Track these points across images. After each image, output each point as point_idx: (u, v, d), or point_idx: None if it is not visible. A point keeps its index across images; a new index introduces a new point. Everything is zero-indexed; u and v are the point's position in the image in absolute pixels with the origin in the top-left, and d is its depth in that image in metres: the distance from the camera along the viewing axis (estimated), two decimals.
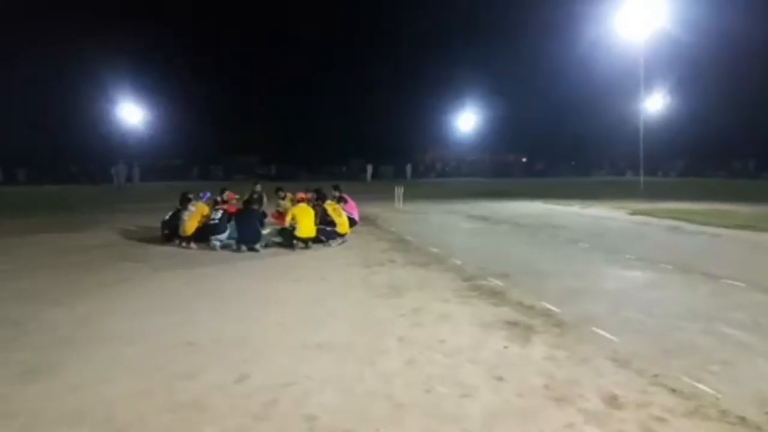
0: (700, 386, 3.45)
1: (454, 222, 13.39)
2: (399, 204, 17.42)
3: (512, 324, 4.77)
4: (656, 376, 3.62)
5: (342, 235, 9.47)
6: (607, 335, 4.45)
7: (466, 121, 54.11)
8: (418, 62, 53.52)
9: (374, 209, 15.81)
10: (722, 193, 23.53)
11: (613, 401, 3.25)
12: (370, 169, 46.10)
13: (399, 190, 17.81)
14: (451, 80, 51.18)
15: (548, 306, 5.33)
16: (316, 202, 9.88)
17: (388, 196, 18.60)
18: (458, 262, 7.68)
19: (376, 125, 52.08)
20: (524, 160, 66.63)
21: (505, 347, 4.18)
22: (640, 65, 29.02)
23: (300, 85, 52.02)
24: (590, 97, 46.60)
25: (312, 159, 51.95)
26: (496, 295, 5.78)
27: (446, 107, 53.49)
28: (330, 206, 9.63)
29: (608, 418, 3.04)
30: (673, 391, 3.39)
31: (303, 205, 9.35)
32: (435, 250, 8.78)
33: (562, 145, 55.49)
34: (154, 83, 43.26)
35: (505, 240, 10.32)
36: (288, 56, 52.56)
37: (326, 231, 9.29)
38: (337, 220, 9.41)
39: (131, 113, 42.68)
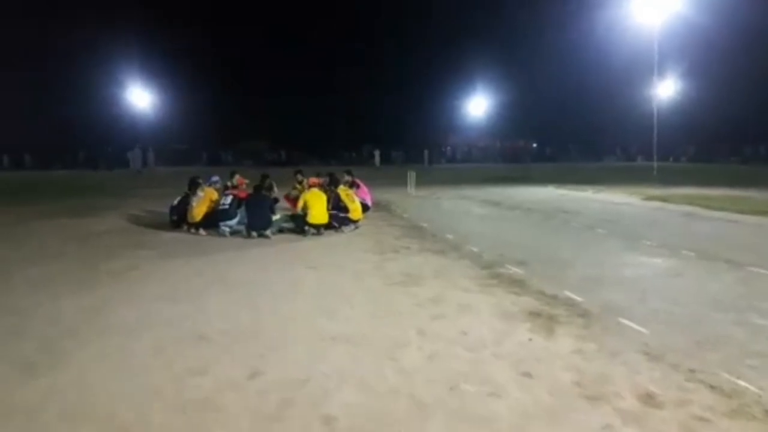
0: (741, 382, 3.24)
1: (467, 208, 13.16)
2: (411, 189, 17.19)
3: (535, 314, 4.56)
4: (692, 371, 3.41)
5: (355, 222, 9.27)
6: (635, 326, 4.23)
7: (477, 106, 53.42)
8: (428, 47, 52.70)
9: (386, 195, 15.61)
10: (734, 178, 23.06)
11: (650, 400, 3.04)
12: (377, 154, 45.63)
13: (411, 176, 17.56)
14: (461, 65, 50.52)
15: (571, 295, 5.12)
16: (328, 187, 9.67)
17: (399, 182, 18.41)
18: (474, 249, 7.47)
19: (385, 110, 51.67)
20: (534, 145, 65.97)
21: (530, 339, 3.98)
22: (654, 49, 28.38)
23: (311, 70, 51.53)
24: (601, 81, 45.89)
25: (322, 144, 51.69)
26: (516, 284, 5.57)
27: (457, 92, 52.89)
28: (343, 191, 9.43)
29: (647, 418, 2.84)
30: (713, 387, 3.18)
31: (315, 190, 9.15)
32: (450, 236, 8.56)
33: (573, 131, 54.76)
34: (162, 67, 43.04)
35: (519, 226, 10.08)
36: (299, 41, 51.96)
37: (339, 217, 9.09)
38: (350, 205, 9.21)
39: (140, 97, 42.48)
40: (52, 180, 27.16)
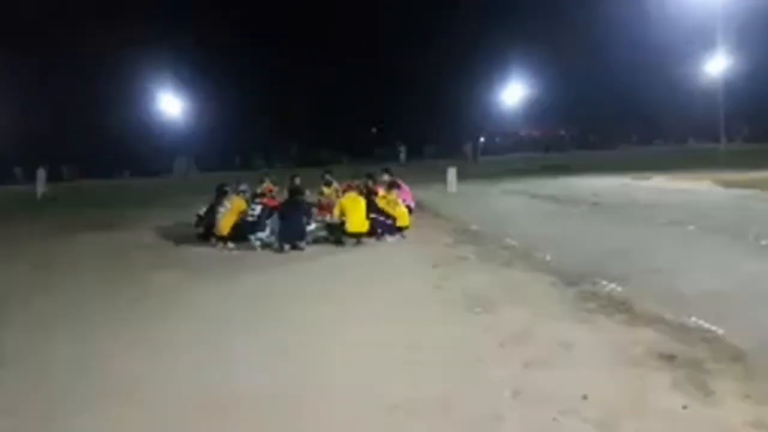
0: None
1: (521, 204, 11.81)
2: (452, 186, 15.88)
3: (669, 358, 3.32)
4: None
5: (401, 229, 8.09)
6: None
7: (512, 94, 51.29)
8: (463, 35, 50.49)
9: (420, 193, 14.31)
10: None
11: None
12: (403, 149, 43.68)
13: (451, 172, 16.26)
14: (494, 48, 48.08)
15: (704, 324, 3.84)
16: (366, 189, 8.58)
17: (430, 178, 16.71)
18: (547, 258, 6.21)
19: (413, 103, 50.15)
20: (563, 132, 63.25)
21: (684, 407, 2.75)
22: (705, 26, 26.14)
23: (338, 66, 50.36)
24: (645, 60, 43.07)
25: (350, 142, 50.70)
26: (621, 308, 4.31)
27: (490, 80, 50.78)
28: (382, 199, 8.21)
29: None
30: None
31: (352, 194, 8.06)
32: (512, 241, 7.32)
33: (615, 115, 52.00)
34: (191, 72, 42.95)
35: (592, 225, 8.65)
36: (324, 35, 51.00)
37: (381, 222, 7.95)
38: (394, 212, 8.03)
39: (171, 104, 42.55)
40: (89, 189, 27.08)
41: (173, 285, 6.08)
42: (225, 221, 8.12)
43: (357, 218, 7.70)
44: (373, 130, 42.84)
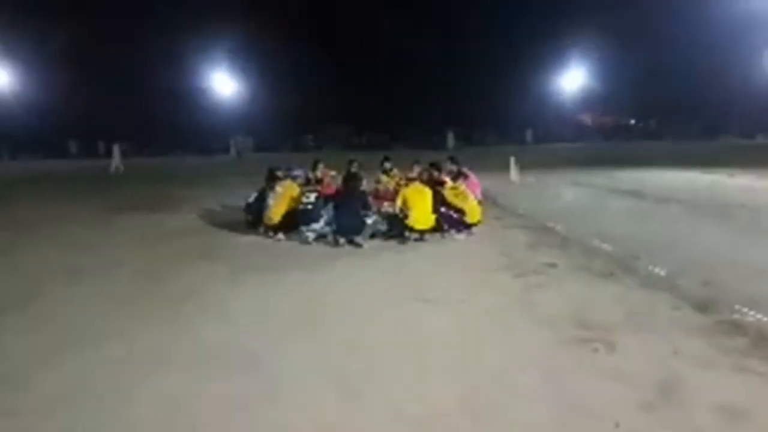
0: None
1: (598, 199, 10.55)
2: (515, 176, 14.69)
3: None
4: None
5: (470, 226, 7.16)
6: None
7: (571, 80, 48.70)
8: (517, 20, 48.13)
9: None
10: None
11: None
12: (451, 135, 42.22)
13: (513, 161, 15.05)
14: (552, 33, 45.56)
15: None
16: (432, 178, 7.70)
17: (485, 166, 15.13)
18: (656, 270, 5.13)
19: (470, 87, 48.41)
20: (632, 122, 59.92)
21: None
22: None
23: (393, 50, 49.05)
24: (713, 52, 39.39)
25: (404, 127, 49.61)
26: None
27: (548, 66, 48.31)
28: (450, 192, 7.27)
29: None
30: None
31: (417, 185, 7.17)
32: (605, 245, 6.24)
33: (679, 106, 48.49)
34: (243, 53, 42.91)
35: (701, 231, 7.21)
36: (380, 19, 49.77)
37: (449, 217, 7.05)
38: (464, 206, 7.09)
39: (225, 85, 42.79)
40: (142, 167, 27.33)
41: (218, 279, 5.40)
42: (276, 209, 7.42)
43: (422, 212, 6.82)
44: (448, 134, 41.94)
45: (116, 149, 25.17)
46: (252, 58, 43.56)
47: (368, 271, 5.65)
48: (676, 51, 42.18)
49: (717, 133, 47.17)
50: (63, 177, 22.93)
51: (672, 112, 51.00)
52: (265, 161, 12.07)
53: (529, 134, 42.86)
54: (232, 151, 37.15)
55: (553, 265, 5.50)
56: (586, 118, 58.07)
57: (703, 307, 4.09)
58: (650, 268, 5.21)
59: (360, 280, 5.33)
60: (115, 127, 38.82)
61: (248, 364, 3.36)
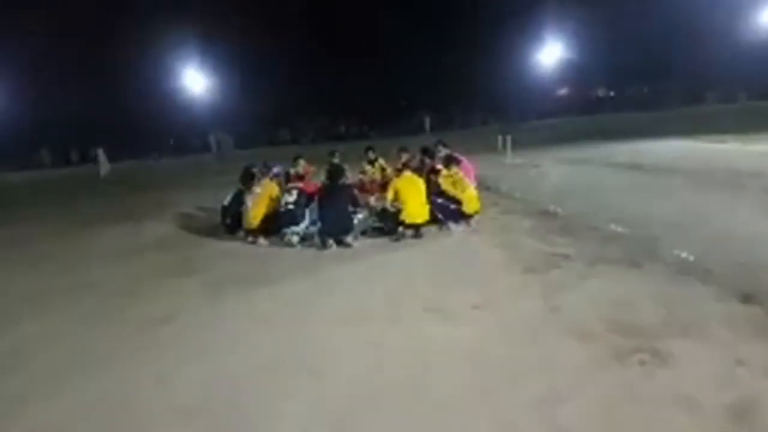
0: None
1: (598, 176, 9.99)
2: (508, 157, 14.10)
3: None
4: None
5: (468, 217, 6.58)
6: None
7: (548, 54, 48.07)
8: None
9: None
10: None
11: None
12: (427, 120, 41.91)
13: (505, 140, 14.46)
14: (528, 11, 44.88)
15: None
16: (423, 165, 7.11)
17: (471, 147, 14.50)
18: (683, 255, 4.61)
19: (445, 68, 47.52)
20: (612, 93, 59.71)
21: None
22: None
23: (364, 36, 47.98)
24: (691, 14, 39.03)
25: (376, 115, 48.65)
26: None
27: (526, 42, 47.59)
28: (447, 179, 6.66)
29: None
30: None
31: (408, 174, 6.56)
32: (618, 228, 5.72)
33: (655, 72, 48.25)
34: (215, 48, 41.52)
35: (708, 203, 6.76)
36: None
37: (443, 207, 6.46)
38: (460, 195, 6.50)
39: (195, 82, 41.42)
40: (122, 171, 26.25)
41: (195, 297, 4.77)
42: (255, 211, 6.76)
43: (416, 204, 6.22)
44: (425, 118, 41.43)
45: (101, 154, 24.57)
46: (220, 54, 42.19)
47: (361, 277, 5.03)
48: (653, 15, 41.88)
49: (699, 98, 47.06)
50: (39, 187, 21.87)
51: (654, 80, 50.73)
52: (248, 158, 11.38)
53: (511, 113, 42.48)
54: (213, 148, 36.12)
55: (566, 257, 4.95)
56: (565, 92, 57.71)
57: (747, 297, 3.58)
58: (675, 252, 4.70)
59: (352, 288, 4.71)
60: (93, 131, 37.52)
61: (224, 417, 2.75)
